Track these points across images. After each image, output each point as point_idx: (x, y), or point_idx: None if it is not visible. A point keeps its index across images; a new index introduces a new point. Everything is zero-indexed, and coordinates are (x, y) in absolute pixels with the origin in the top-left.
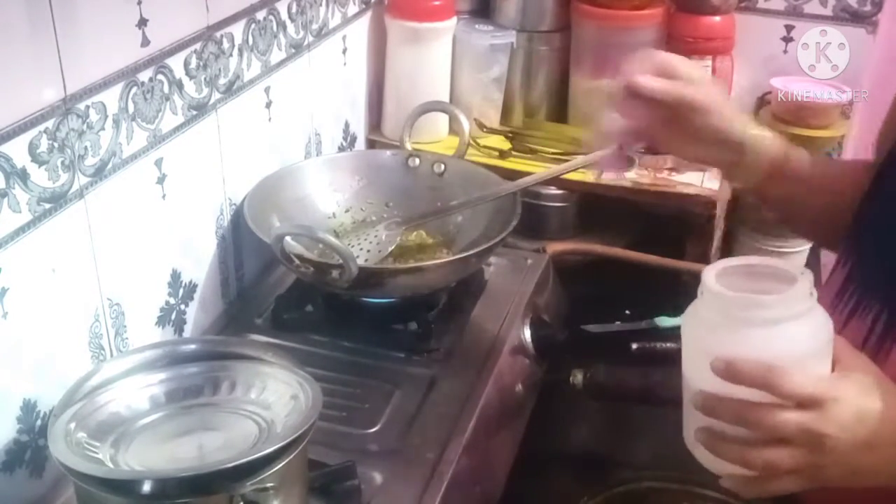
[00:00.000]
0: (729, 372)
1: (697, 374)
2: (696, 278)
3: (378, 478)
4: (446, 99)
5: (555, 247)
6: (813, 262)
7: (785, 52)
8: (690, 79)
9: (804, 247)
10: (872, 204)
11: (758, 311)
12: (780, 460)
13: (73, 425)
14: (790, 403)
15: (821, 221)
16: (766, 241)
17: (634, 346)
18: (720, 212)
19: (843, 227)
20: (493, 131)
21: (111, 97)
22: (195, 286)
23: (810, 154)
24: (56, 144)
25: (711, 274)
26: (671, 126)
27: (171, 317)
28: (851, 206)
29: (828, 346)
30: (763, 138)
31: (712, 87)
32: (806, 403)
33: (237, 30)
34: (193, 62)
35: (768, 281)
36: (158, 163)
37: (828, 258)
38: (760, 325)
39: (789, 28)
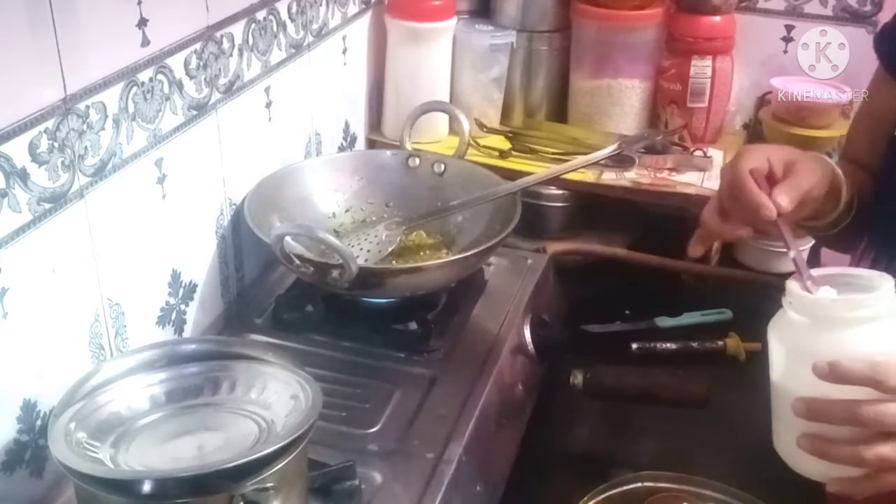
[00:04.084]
0: (834, 373)
1: (794, 382)
2: (696, 278)
3: (378, 478)
4: (446, 99)
5: (555, 247)
6: (813, 262)
7: (785, 52)
8: (787, 164)
9: (804, 247)
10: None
11: (859, 311)
12: (893, 453)
13: (73, 425)
14: None
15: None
16: (765, 241)
17: (634, 346)
18: None
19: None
20: (493, 131)
21: (111, 97)
22: (195, 286)
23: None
24: (56, 144)
25: (798, 283)
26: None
27: (171, 317)
28: None
29: None
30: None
31: (784, 152)
32: None
33: (237, 30)
34: (193, 62)
35: (844, 288)
36: (158, 163)
37: (826, 259)
38: (859, 324)
39: (789, 28)
